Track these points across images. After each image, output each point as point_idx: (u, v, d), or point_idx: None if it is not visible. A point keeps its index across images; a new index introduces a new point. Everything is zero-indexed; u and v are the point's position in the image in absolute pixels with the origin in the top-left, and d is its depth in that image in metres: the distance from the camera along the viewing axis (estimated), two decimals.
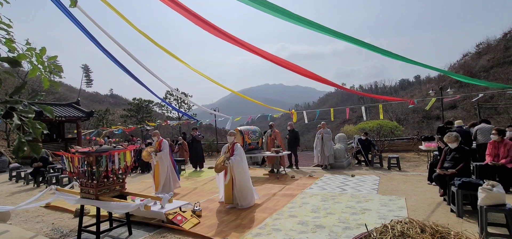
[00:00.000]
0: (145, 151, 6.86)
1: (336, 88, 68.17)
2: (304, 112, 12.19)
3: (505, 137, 5.77)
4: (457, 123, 7.69)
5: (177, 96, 27.50)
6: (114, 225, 4.44)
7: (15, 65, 1.71)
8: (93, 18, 5.86)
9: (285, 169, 9.08)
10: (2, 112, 1.55)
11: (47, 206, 6.14)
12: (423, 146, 8.55)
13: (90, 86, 70.01)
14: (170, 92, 27.21)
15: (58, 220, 5.28)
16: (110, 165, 4.01)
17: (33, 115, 1.57)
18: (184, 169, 10.50)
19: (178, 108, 27.67)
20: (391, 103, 26.06)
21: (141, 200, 4.00)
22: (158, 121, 19.37)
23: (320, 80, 6.81)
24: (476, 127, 7.35)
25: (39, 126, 1.53)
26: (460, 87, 27.21)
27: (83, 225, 4.28)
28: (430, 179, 6.22)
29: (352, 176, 7.72)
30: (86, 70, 66.69)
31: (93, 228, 4.10)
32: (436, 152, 7.70)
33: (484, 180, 3.95)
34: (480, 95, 10.87)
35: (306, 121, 12.40)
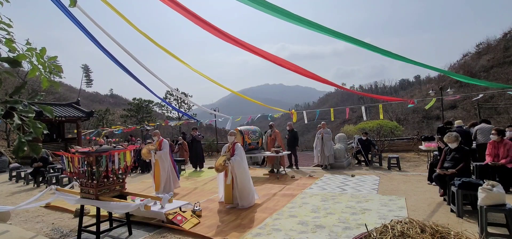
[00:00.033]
0: (145, 148, 6.86)
1: (336, 88, 68.19)
2: (304, 112, 12.20)
3: (504, 137, 5.78)
4: (457, 123, 7.69)
5: (177, 96, 27.49)
6: (114, 225, 4.44)
7: (15, 65, 1.71)
8: (93, 18, 5.86)
9: (285, 169, 9.08)
10: (2, 112, 1.55)
11: (47, 206, 6.14)
12: (423, 146, 8.55)
13: (90, 86, 70.12)
14: (170, 92, 27.19)
15: (58, 220, 5.28)
16: (110, 165, 4.01)
17: (34, 115, 1.57)
18: (184, 169, 10.50)
19: (178, 108, 27.67)
20: (391, 103, 26.07)
21: (141, 200, 4.00)
22: (158, 121, 19.37)
23: (320, 80, 6.81)
24: (476, 127, 7.35)
25: (39, 126, 1.53)
26: (460, 87, 27.22)
27: (83, 225, 4.28)
28: (430, 179, 6.22)
29: (352, 176, 7.72)
30: (86, 70, 66.71)
31: (93, 228, 4.10)
32: (436, 152, 7.70)
33: (484, 180, 3.95)
34: (480, 95, 10.89)
35: (306, 121, 12.40)
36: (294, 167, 9.75)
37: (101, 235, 4.10)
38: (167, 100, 27.53)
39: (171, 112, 32.08)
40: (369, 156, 9.60)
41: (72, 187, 4.94)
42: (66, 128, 19.56)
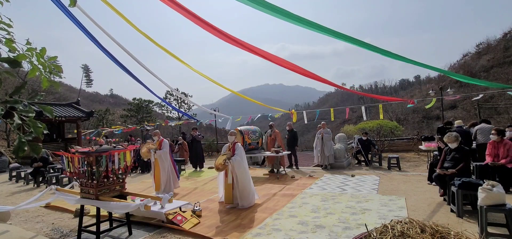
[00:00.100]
0: (145, 147, 6.84)
1: (336, 88, 68.21)
2: (304, 112, 12.20)
3: (504, 137, 5.78)
4: (457, 123, 7.69)
5: (177, 96, 27.49)
6: (114, 225, 4.44)
7: (15, 65, 1.71)
8: (93, 18, 5.86)
9: (285, 169, 9.08)
10: (2, 112, 1.55)
11: (47, 206, 6.14)
12: (423, 146, 8.55)
13: (90, 86, 70.07)
14: (170, 92, 27.20)
15: (58, 220, 5.28)
16: (110, 165, 4.01)
17: (34, 115, 1.57)
18: (184, 169, 10.50)
19: (178, 108, 27.67)
20: (391, 103, 26.07)
21: (141, 200, 4.00)
22: (158, 121, 19.36)
23: (320, 80, 6.81)
24: (476, 127, 7.35)
25: (40, 126, 1.53)
26: (460, 87, 27.21)
27: (83, 225, 4.28)
28: (430, 179, 6.22)
29: (352, 176, 7.72)
30: (86, 70, 66.66)
31: (93, 228, 4.10)
32: (436, 152, 7.70)
33: (484, 180, 3.95)
34: (480, 95, 10.87)
35: (306, 121, 12.40)
36: (294, 167, 9.75)
37: (101, 235, 4.10)
38: (167, 100, 27.53)
39: (171, 112, 32.10)
40: (369, 156, 9.60)
41: (72, 187, 4.94)
42: (66, 128, 19.57)
